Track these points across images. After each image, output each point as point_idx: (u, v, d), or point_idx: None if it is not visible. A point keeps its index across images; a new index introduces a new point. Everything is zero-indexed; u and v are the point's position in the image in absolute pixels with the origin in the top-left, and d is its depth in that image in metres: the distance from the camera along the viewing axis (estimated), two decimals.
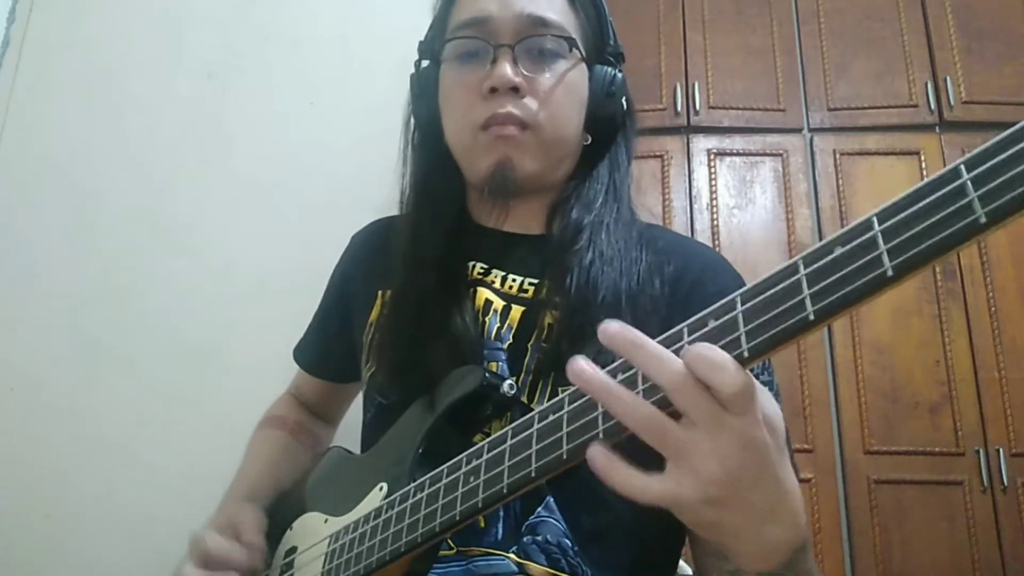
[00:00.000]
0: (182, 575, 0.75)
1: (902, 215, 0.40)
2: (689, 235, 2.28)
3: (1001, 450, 2.06)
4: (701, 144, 2.44)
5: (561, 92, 0.81)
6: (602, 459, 0.49)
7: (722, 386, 0.45)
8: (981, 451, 2.07)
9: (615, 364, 0.50)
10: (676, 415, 0.47)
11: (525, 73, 0.79)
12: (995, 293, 2.18)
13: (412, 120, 0.89)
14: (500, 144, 0.79)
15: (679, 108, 2.44)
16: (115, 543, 1.31)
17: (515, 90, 0.78)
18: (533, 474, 0.55)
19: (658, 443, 0.47)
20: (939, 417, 2.11)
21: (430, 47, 0.88)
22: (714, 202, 2.38)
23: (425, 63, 0.89)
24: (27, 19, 1.60)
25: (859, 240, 0.41)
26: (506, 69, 0.78)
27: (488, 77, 0.78)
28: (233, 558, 0.76)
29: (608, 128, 0.86)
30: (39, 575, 1.32)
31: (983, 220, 0.37)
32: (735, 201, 2.39)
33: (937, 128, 2.36)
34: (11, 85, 1.56)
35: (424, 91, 0.86)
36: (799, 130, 2.44)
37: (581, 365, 0.49)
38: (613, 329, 0.48)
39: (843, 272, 0.42)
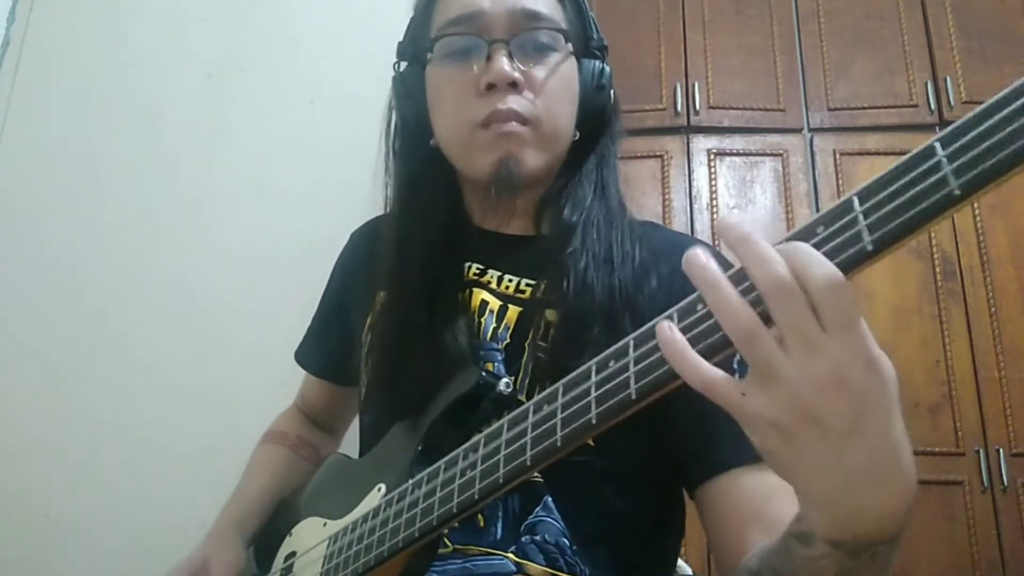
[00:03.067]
0: None
1: (881, 193, 0.42)
2: (689, 235, 2.28)
3: (1001, 450, 2.06)
4: (701, 144, 2.44)
5: (557, 85, 0.80)
6: (666, 332, 0.46)
7: (814, 279, 0.41)
8: (981, 451, 2.07)
9: (733, 270, 0.46)
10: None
11: (521, 68, 0.78)
12: (995, 293, 2.18)
13: (394, 126, 0.88)
14: (502, 141, 0.78)
15: (679, 108, 2.44)
16: (115, 543, 1.31)
17: (513, 85, 0.77)
18: (528, 462, 0.55)
19: (745, 348, 0.43)
20: (939, 417, 2.11)
21: (411, 48, 0.86)
22: (714, 202, 2.38)
23: (404, 64, 0.87)
24: (27, 19, 1.60)
25: (841, 220, 0.43)
26: (504, 64, 0.77)
27: (485, 73, 0.77)
28: None
29: (597, 122, 0.85)
30: (39, 575, 1.32)
31: (957, 193, 0.39)
32: (735, 201, 2.39)
33: (937, 128, 2.36)
34: (11, 85, 1.56)
35: (409, 93, 0.85)
36: (799, 130, 2.44)
37: (698, 255, 0.45)
38: (729, 222, 0.45)
39: (824, 250, 0.43)
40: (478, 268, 0.83)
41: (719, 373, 0.44)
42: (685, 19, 2.53)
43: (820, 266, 0.41)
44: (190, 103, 1.55)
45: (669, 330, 0.46)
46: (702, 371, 0.44)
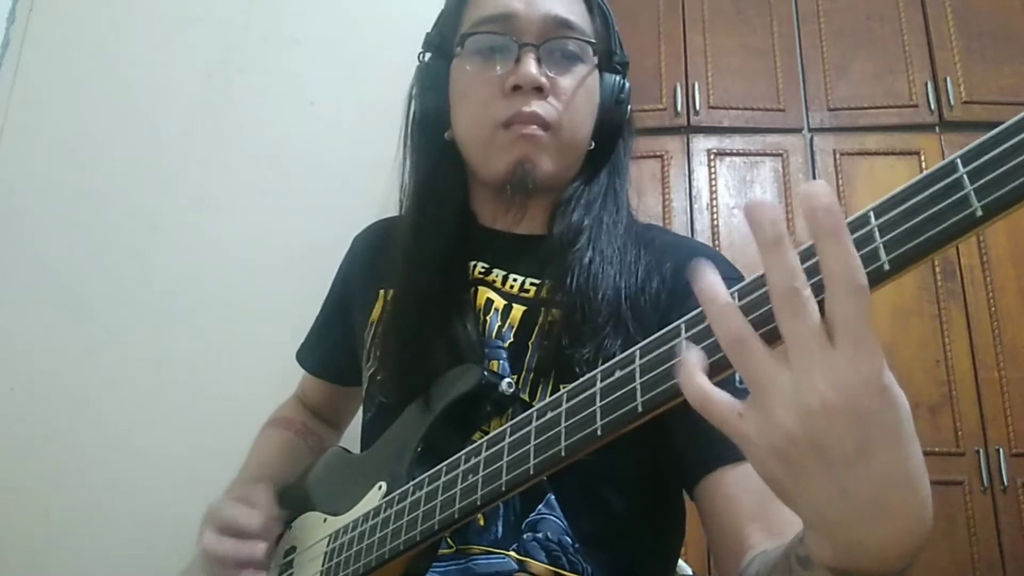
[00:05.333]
0: (203, 541, 0.75)
1: (899, 209, 0.40)
2: (689, 235, 2.28)
3: (1001, 450, 2.06)
4: (701, 144, 2.44)
5: (581, 95, 0.81)
6: (683, 352, 0.44)
7: (835, 279, 0.38)
8: (981, 451, 2.07)
9: (752, 278, 0.44)
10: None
11: (549, 74, 0.79)
12: (995, 293, 2.18)
13: (413, 115, 0.89)
14: (521, 143, 0.79)
15: (679, 108, 2.44)
16: (115, 543, 1.31)
17: (539, 90, 0.78)
18: (531, 471, 0.55)
19: (734, 357, 0.42)
20: (939, 417, 2.11)
21: (438, 40, 0.87)
22: (714, 202, 2.38)
23: (428, 55, 0.88)
24: (27, 19, 1.60)
25: (856, 235, 0.41)
26: (532, 68, 0.78)
27: (513, 74, 0.78)
28: (251, 524, 0.76)
29: (612, 134, 0.86)
30: (39, 575, 1.32)
31: (979, 214, 0.37)
32: (735, 201, 2.39)
33: (937, 128, 2.36)
34: (11, 85, 1.55)
35: (432, 84, 0.85)
36: (799, 130, 2.44)
37: (702, 267, 0.44)
38: (764, 216, 0.42)
39: None
40: (483, 267, 0.83)
41: (716, 390, 0.43)
42: (685, 19, 2.53)
43: (844, 264, 0.39)
44: (190, 103, 1.54)
45: (686, 349, 0.45)
46: (698, 385, 0.43)
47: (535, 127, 0.78)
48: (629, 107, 0.87)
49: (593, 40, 0.82)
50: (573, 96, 0.80)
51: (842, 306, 0.38)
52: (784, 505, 0.47)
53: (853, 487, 0.40)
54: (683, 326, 0.48)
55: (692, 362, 0.44)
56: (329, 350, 1.01)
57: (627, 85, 0.86)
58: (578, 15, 0.82)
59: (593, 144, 0.85)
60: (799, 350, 0.40)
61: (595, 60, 0.83)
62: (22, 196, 1.50)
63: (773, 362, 0.41)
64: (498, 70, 0.80)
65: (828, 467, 0.40)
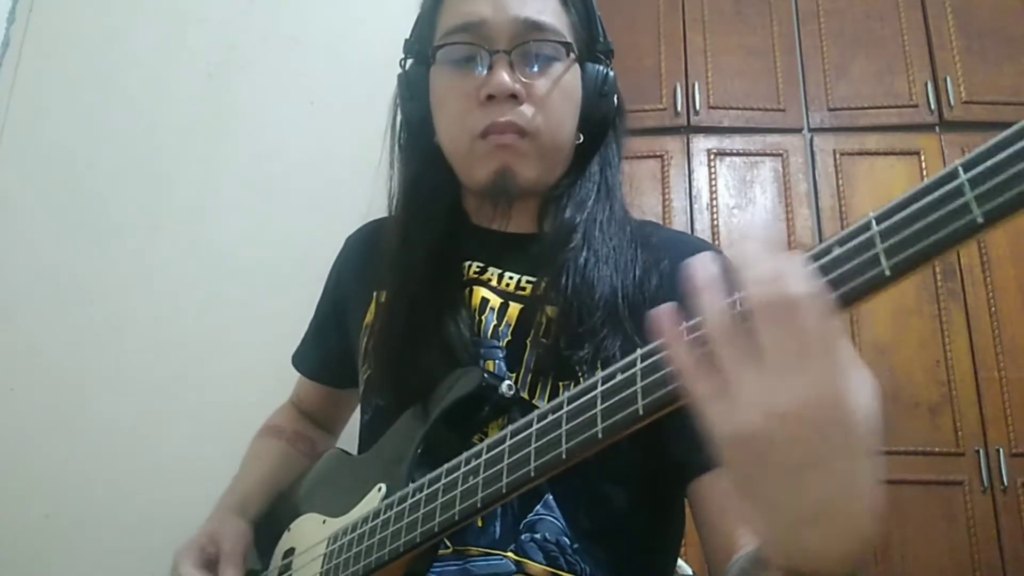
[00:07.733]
0: None
1: (900, 215, 0.40)
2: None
3: (1001, 450, 2.06)
4: (701, 144, 2.44)
5: (558, 96, 0.80)
6: (663, 316, 0.45)
7: (784, 283, 0.40)
8: (981, 451, 2.07)
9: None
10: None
11: (523, 79, 0.78)
12: (995, 293, 2.18)
13: (399, 121, 0.88)
14: (500, 152, 0.78)
15: (679, 108, 2.44)
16: (115, 543, 1.31)
17: (513, 97, 0.77)
18: (532, 473, 0.55)
19: (718, 349, 0.43)
20: (939, 417, 2.11)
21: (417, 46, 0.87)
22: (714, 202, 2.38)
23: (410, 61, 0.87)
24: (27, 19, 1.60)
25: (857, 240, 0.41)
26: (504, 76, 0.77)
27: (485, 84, 0.77)
28: None
29: (600, 126, 0.85)
30: (39, 575, 1.32)
31: (980, 220, 0.37)
32: (735, 201, 2.39)
33: (937, 128, 2.36)
34: (11, 85, 1.55)
35: (413, 92, 0.85)
36: (799, 130, 2.44)
37: (699, 263, 0.45)
38: (746, 248, 0.44)
39: (840, 272, 0.42)
40: (478, 266, 0.83)
41: (698, 363, 0.44)
42: (685, 19, 2.53)
43: (794, 274, 0.40)
44: (190, 103, 1.54)
45: (668, 313, 0.46)
46: (688, 357, 0.44)
47: (512, 136, 0.77)
48: (616, 96, 0.86)
49: (567, 40, 0.81)
50: (550, 98, 0.79)
51: (797, 319, 0.40)
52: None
53: (801, 489, 0.42)
54: (684, 332, 0.47)
55: (679, 331, 0.45)
56: (325, 354, 1.01)
57: (611, 75, 0.84)
58: (550, 13, 0.80)
59: (581, 137, 0.84)
60: (774, 353, 0.41)
61: (572, 57, 0.81)
62: (22, 196, 1.50)
63: (748, 361, 0.42)
64: (473, 79, 0.78)
65: (780, 467, 0.42)
